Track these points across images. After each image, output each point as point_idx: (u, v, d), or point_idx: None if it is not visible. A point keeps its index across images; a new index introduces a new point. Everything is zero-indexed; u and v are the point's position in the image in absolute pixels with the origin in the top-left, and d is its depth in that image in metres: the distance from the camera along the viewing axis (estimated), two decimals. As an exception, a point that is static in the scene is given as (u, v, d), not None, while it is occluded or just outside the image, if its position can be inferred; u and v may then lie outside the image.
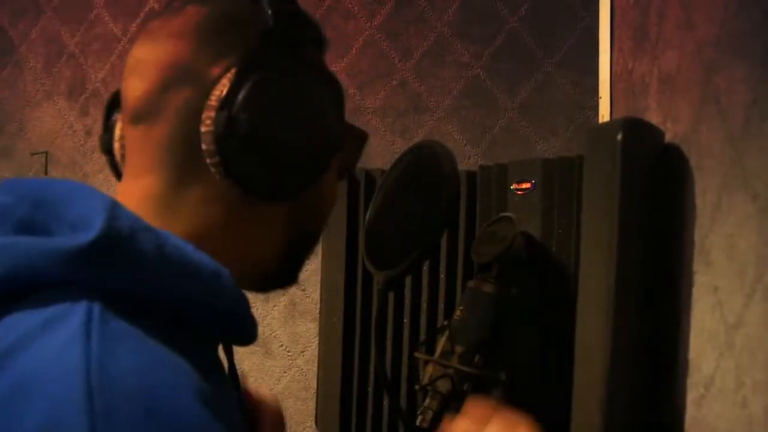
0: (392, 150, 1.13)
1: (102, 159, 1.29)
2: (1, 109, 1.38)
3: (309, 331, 1.17)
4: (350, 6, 1.17)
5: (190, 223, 0.49)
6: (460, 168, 0.82)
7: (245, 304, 0.49)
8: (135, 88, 0.52)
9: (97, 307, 0.42)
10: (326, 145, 0.52)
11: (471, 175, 0.94)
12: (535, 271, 0.88)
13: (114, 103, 0.61)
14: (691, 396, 0.62)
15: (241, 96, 0.47)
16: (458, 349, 0.80)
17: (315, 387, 1.06)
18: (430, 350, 0.84)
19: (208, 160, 0.48)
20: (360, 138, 0.63)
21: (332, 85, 0.52)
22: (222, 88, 0.48)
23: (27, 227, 0.45)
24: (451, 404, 0.78)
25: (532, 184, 0.90)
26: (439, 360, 0.79)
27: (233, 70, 0.48)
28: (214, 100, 0.48)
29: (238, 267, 0.49)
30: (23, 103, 1.34)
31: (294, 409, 1.19)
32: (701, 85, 0.63)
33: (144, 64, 0.51)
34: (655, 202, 0.68)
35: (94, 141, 1.30)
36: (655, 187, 0.68)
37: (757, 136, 0.51)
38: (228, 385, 0.48)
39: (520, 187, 0.91)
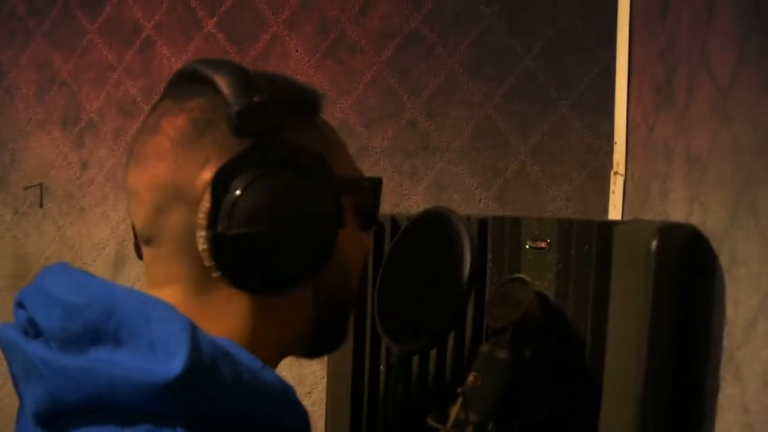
0: (400, 192, 1.10)
1: (99, 193, 1.26)
2: (-7, 137, 1.34)
3: (315, 373, 1.16)
4: (357, 39, 1.12)
5: (223, 327, 0.50)
6: (470, 212, 0.80)
7: (307, 418, 0.50)
8: (136, 213, 0.54)
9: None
10: (322, 227, 0.51)
11: (482, 222, 0.92)
12: (549, 333, 0.86)
13: None
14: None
15: (223, 210, 0.48)
16: (473, 417, 0.78)
17: (323, 429, 1.06)
18: (441, 416, 0.83)
19: (213, 274, 0.49)
20: (374, 186, 0.62)
21: (317, 161, 0.52)
22: (206, 203, 0.48)
23: (96, 334, 0.46)
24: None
25: (547, 243, 0.88)
26: (452, 430, 0.78)
27: (212, 182, 0.48)
28: (201, 217, 0.48)
29: (280, 348, 0.53)
30: (16, 133, 1.30)
31: (301, 452, 1.18)
32: (737, 190, 0.60)
33: (137, 190, 0.53)
34: (684, 297, 0.66)
35: (91, 174, 1.27)
36: (684, 279, 0.66)
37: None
38: None
39: (535, 245, 0.89)
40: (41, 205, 1.27)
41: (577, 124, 1.04)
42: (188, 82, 0.55)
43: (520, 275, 0.83)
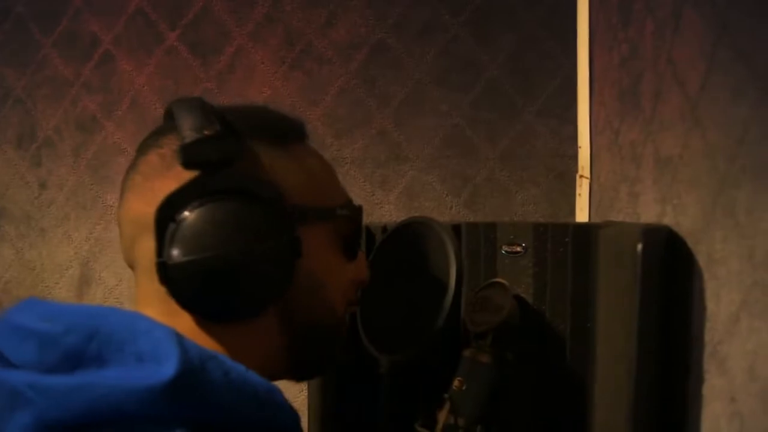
0: (372, 201, 1.11)
1: (60, 213, 1.22)
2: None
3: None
4: (323, 50, 1.13)
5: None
6: (442, 219, 0.81)
7: (296, 419, 0.52)
8: (122, 243, 0.57)
9: None
10: (269, 256, 0.52)
11: (455, 228, 0.93)
12: (529, 336, 0.89)
13: None
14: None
15: (166, 239, 0.50)
16: (461, 422, 0.80)
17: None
18: (429, 422, 0.84)
19: (170, 300, 0.51)
20: (352, 215, 0.63)
21: (268, 191, 0.52)
22: (157, 234, 0.50)
23: (77, 359, 0.46)
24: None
25: (522, 247, 0.90)
26: (442, 436, 0.79)
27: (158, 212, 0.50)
28: (153, 246, 0.51)
29: (256, 372, 0.51)
30: (-34, 153, 1.24)
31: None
32: (713, 192, 0.64)
33: (120, 222, 0.57)
34: (665, 296, 0.69)
35: (50, 194, 1.22)
36: (664, 279, 0.69)
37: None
38: None
39: (511, 250, 0.91)
40: (-3, 228, 1.22)
41: (543, 130, 1.07)
42: (166, 119, 0.58)
43: (499, 279, 0.85)
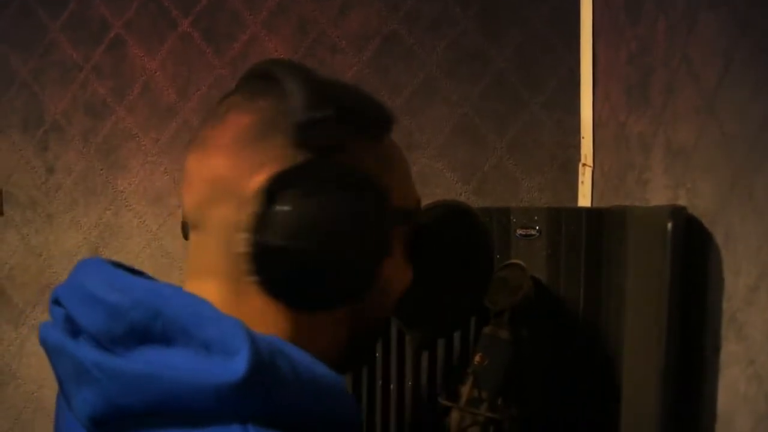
0: (384, 187, 1.15)
1: (68, 198, 1.22)
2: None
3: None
4: (336, 40, 1.16)
5: (258, 330, 0.49)
6: None
7: (358, 409, 0.51)
8: (186, 198, 0.53)
9: (251, 428, 0.43)
10: (366, 254, 0.51)
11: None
12: (543, 314, 0.94)
13: None
14: (721, 447, 0.71)
15: (269, 218, 0.47)
16: (484, 394, 0.85)
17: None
18: (453, 396, 0.89)
19: (249, 277, 0.49)
20: (423, 218, 0.65)
21: (373, 188, 0.51)
22: (253, 208, 0.48)
23: (143, 334, 0.45)
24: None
25: (536, 230, 0.96)
26: (468, 408, 0.84)
27: (263, 188, 0.48)
28: (246, 220, 0.48)
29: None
30: (-33, 137, 1.22)
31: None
32: (731, 176, 0.70)
33: (191, 176, 0.52)
34: (688, 271, 0.75)
35: (58, 178, 1.21)
36: (686, 258, 0.75)
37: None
38: None
39: (526, 233, 0.97)
40: (1, 213, 1.20)
41: (547, 121, 1.13)
42: (262, 79, 0.54)
43: (516, 261, 0.90)
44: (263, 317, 0.51)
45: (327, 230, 0.48)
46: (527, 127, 1.13)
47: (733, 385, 0.70)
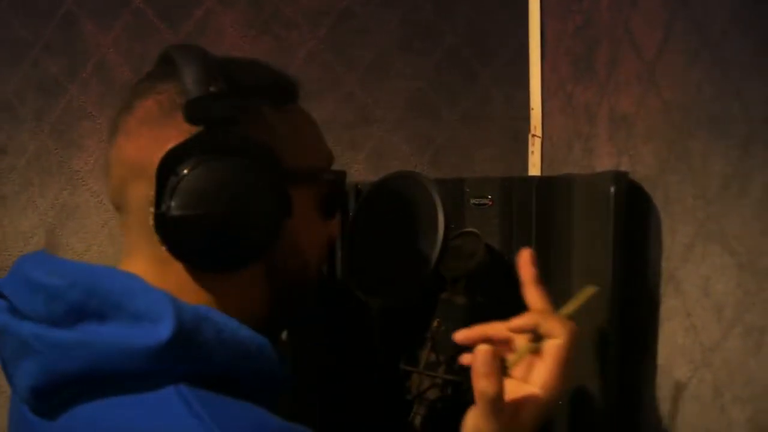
0: (341, 162, 1.17)
1: (21, 179, 1.20)
2: None
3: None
4: (291, 15, 1.16)
5: (187, 299, 0.53)
6: None
7: (286, 365, 0.56)
8: (109, 181, 0.58)
9: (183, 387, 0.48)
10: (262, 214, 0.56)
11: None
12: (496, 280, 0.98)
13: None
14: (661, 395, 0.77)
15: (167, 191, 0.52)
16: (442, 358, 0.89)
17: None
18: (412, 361, 0.93)
19: (162, 248, 0.54)
20: (336, 179, 0.68)
21: (264, 152, 0.55)
22: (156, 183, 0.53)
23: (80, 312, 0.49)
24: (437, 408, 0.88)
25: (489, 199, 1.00)
26: (426, 371, 0.88)
27: (161, 163, 0.52)
28: (151, 195, 0.53)
29: (243, 321, 0.54)
30: None
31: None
32: (669, 142, 0.75)
33: (112, 160, 0.57)
34: (630, 233, 0.80)
35: (11, 159, 1.20)
36: (629, 221, 0.80)
37: (736, 205, 0.63)
38: None
39: (480, 202, 1.00)
40: (-47, 195, 1.18)
41: (498, 94, 1.16)
42: (165, 64, 0.58)
43: (471, 229, 0.94)
44: (187, 285, 0.55)
45: (220, 195, 0.53)
46: (480, 100, 1.16)
47: (671, 336, 0.75)
